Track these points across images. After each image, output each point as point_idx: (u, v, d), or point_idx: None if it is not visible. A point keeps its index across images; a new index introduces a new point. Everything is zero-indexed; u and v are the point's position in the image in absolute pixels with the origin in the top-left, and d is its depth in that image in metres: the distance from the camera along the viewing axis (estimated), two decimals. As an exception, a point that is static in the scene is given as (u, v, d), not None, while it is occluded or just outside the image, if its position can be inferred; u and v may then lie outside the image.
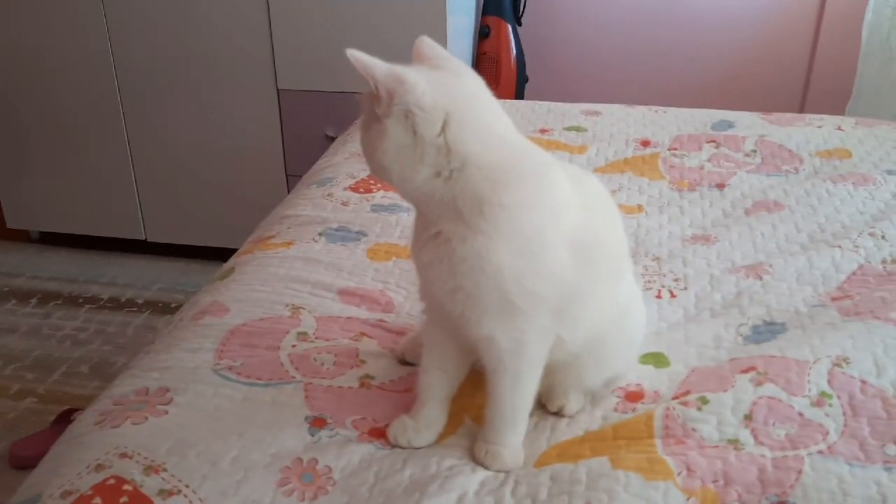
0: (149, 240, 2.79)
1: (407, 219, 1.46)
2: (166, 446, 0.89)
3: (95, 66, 2.53)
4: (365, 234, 1.43)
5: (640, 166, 1.69)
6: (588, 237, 0.88)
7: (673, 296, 1.23)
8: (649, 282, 1.26)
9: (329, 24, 2.34)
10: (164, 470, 0.86)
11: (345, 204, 1.54)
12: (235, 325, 1.13)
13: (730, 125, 1.86)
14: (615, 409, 0.98)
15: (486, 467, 0.89)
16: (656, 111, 1.98)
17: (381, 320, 1.18)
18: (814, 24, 2.61)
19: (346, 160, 1.75)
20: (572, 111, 1.99)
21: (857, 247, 1.31)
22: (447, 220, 0.82)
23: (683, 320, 1.18)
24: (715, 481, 0.84)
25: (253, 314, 1.16)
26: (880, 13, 2.33)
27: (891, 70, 2.31)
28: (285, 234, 1.43)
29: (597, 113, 1.98)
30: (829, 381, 0.96)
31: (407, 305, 1.23)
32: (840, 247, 1.31)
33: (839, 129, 1.82)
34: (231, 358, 1.06)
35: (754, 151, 1.72)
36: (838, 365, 0.98)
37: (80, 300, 2.55)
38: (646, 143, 1.79)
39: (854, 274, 1.23)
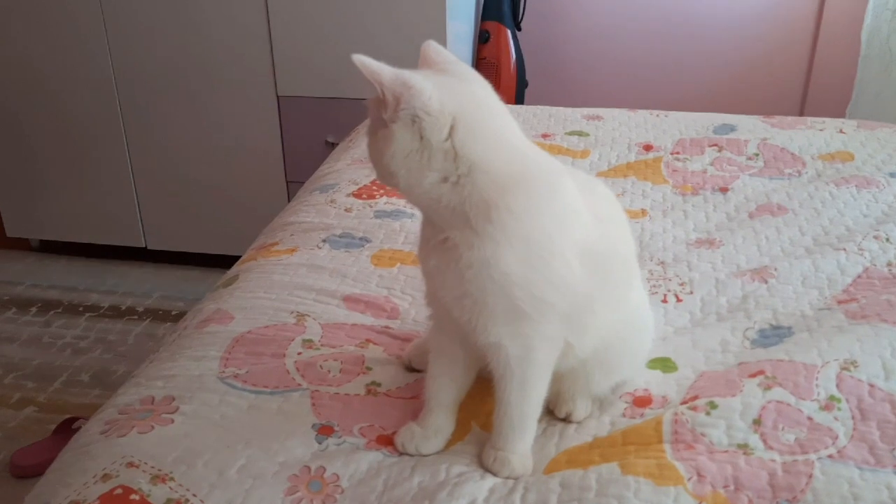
0: (149, 247, 2.78)
1: (411, 225, 1.46)
2: (173, 455, 0.88)
3: (96, 75, 2.53)
4: (369, 241, 1.42)
5: (643, 170, 1.69)
6: (598, 244, 0.87)
7: (679, 300, 1.23)
8: (655, 286, 1.26)
9: (328, 31, 2.34)
10: (172, 479, 0.85)
11: (348, 210, 1.53)
12: (240, 333, 1.13)
13: (731, 129, 1.86)
14: (623, 415, 0.97)
15: (494, 474, 0.89)
16: (658, 115, 1.98)
17: (386, 327, 1.18)
18: (813, 28, 2.61)
19: (348, 166, 1.75)
20: (574, 116, 1.99)
21: (861, 250, 1.30)
22: (454, 226, 0.82)
23: (690, 325, 1.17)
24: (725, 486, 0.83)
25: (258, 322, 1.16)
26: (879, 17, 2.33)
27: (890, 73, 2.31)
28: (289, 240, 1.43)
29: (598, 117, 1.98)
30: (837, 385, 0.96)
31: (412, 312, 1.22)
32: (845, 250, 1.31)
33: (841, 131, 1.82)
34: (237, 366, 1.05)
35: (757, 155, 1.72)
36: (846, 368, 0.98)
37: (81, 308, 2.54)
38: (648, 148, 1.79)
39: (859, 277, 1.23)
